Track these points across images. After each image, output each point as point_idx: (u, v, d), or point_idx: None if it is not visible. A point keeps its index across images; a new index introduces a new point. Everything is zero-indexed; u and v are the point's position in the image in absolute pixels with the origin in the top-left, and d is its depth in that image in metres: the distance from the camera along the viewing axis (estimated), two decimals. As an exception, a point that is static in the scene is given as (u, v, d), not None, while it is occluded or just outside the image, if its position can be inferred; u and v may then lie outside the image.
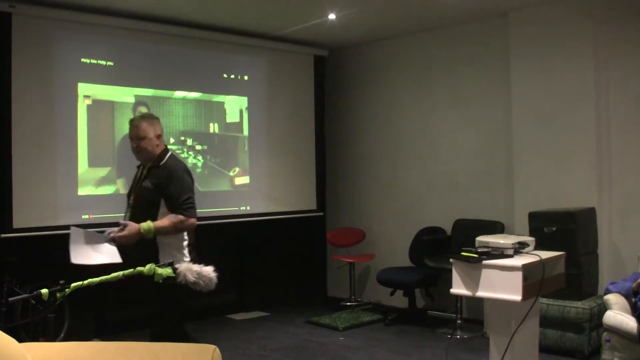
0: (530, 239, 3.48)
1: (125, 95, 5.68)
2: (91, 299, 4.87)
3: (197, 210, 3.60)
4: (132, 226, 3.37)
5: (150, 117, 3.69)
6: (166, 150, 3.67)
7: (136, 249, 3.38)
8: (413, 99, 6.58)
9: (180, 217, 3.45)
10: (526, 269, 3.13)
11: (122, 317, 5.63)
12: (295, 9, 5.58)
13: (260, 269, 6.70)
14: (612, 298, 4.23)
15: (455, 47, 6.19)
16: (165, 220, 3.43)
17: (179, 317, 3.54)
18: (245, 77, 6.53)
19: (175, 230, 3.46)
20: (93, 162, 5.47)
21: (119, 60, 5.61)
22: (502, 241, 3.33)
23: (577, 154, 5.19)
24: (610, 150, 5.12)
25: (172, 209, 3.47)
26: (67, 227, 5.16)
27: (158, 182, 3.50)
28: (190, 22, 5.90)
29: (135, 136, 3.58)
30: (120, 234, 3.37)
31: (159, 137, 3.62)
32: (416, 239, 6.26)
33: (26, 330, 4.73)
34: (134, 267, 2.61)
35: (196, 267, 2.85)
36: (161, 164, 3.58)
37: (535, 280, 3.22)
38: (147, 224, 3.38)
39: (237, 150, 6.48)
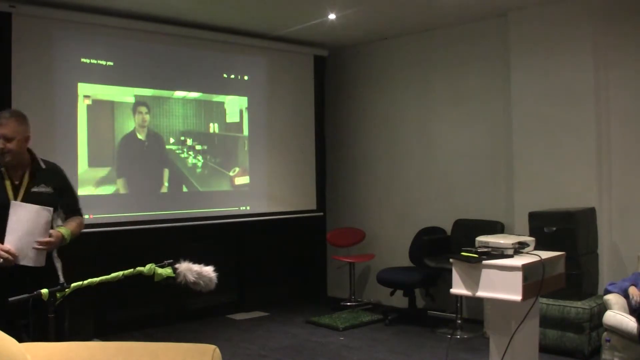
0: (530, 239, 3.48)
1: (125, 95, 5.68)
2: (91, 299, 4.87)
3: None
4: (57, 234, 3.12)
5: (20, 116, 3.19)
6: (32, 151, 3.32)
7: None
8: (413, 99, 6.58)
9: (82, 218, 3.37)
10: (526, 269, 3.13)
11: (122, 317, 5.64)
12: (295, 9, 5.58)
13: (260, 269, 6.70)
14: (612, 298, 4.23)
15: (455, 47, 6.19)
16: (73, 223, 3.28)
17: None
18: (245, 77, 6.53)
19: (79, 233, 3.32)
20: (93, 162, 5.47)
21: (119, 60, 5.62)
22: (502, 241, 3.33)
23: (577, 154, 5.20)
24: (610, 150, 5.12)
25: (73, 212, 3.34)
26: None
27: (58, 186, 3.26)
28: (190, 22, 5.90)
29: (3, 136, 3.08)
30: (50, 241, 3.10)
31: (27, 139, 3.19)
32: (416, 239, 6.26)
33: (26, 330, 4.73)
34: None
35: (196, 267, 2.85)
36: (45, 167, 3.29)
37: (535, 280, 3.22)
38: (66, 230, 3.18)
39: (237, 150, 6.48)
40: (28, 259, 3.04)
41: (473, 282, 3.25)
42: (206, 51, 6.19)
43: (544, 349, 4.28)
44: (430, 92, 6.44)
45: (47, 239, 3.07)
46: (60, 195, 3.26)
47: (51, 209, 3.10)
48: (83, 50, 5.39)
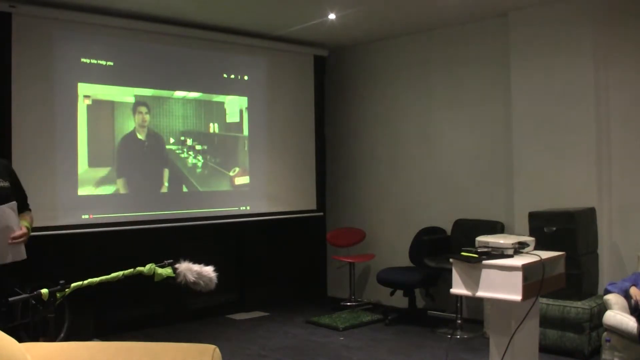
0: (530, 239, 3.48)
1: (125, 95, 5.68)
2: (91, 299, 4.87)
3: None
4: (24, 227, 3.07)
5: None
6: None
7: None
8: (413, 99, 6.58)
9: (32, 213, 3.28)
10: (526, 269, 3.13)
11: (122, 317, 5.64)
12: (295, 9, 5.58)
13: (260, 269, 6.71)
14: (612, 298, 4.23)
15: (455, 47, 6.19)
16: (28, 218, 3.21)
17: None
18: (245, 77, 6.53)
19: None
20: (93, 162, 5.47)
21: (119, 60, 5.62)
22: (502, 241, 3.33)
23: (577, 154, 5.20)
24: (610, 150, 5.12)
25: (25, 206, 3.24)
26: (67, 227, 5.24)
27: (12, 180, 3.16)
28: (190, 22, 5.90)
29: None
30: (25, 232, 3.05)
31: None
32: (416, 239, 6.26)
33: (26, 330, 4.73)
34: None
35: (196, 267, 2.84)
36: None
37: (535, 280, 3.22)
38: (27, 223, 3.12)
39: (237, 150, 6.48)
40: (10, 257, 3.00)
41: (473, 282, 3.25)
42: (206, 51, 6.19)
43: (544, 349, 4.29)
44: (430, 92, 6.44)
45: (22, 231, 3.02)
46: (14, 189, 3.16)
47: (15, 202, 3.04)
48: (83, 50, 5.40)
